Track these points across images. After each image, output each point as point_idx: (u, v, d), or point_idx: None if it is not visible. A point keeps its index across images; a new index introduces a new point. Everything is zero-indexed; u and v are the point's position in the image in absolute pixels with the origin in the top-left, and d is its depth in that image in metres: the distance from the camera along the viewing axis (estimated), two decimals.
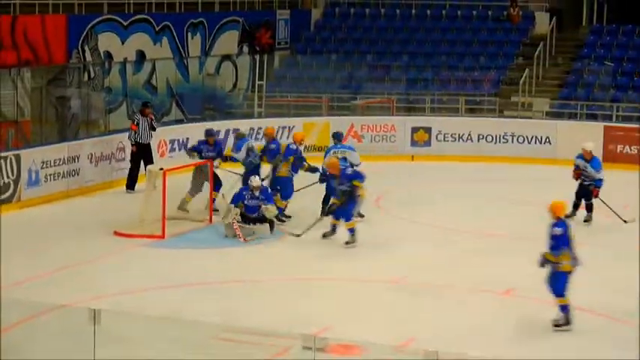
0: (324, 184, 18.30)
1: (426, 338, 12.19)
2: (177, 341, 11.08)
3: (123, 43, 25.64)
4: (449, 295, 14.47)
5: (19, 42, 22.75)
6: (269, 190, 17.66)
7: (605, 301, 13.99)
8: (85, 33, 24.54)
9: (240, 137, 19.60)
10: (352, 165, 18.29)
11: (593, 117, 26.67)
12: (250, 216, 17.22)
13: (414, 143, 25.74)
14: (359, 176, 17.15)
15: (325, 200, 18.40)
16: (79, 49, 24.42)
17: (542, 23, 30.30)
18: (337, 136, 19.35)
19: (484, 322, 13.25)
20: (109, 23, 25.24)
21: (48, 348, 11.26)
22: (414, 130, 25.77)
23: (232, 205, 17.33)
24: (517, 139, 25.41)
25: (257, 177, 17.49)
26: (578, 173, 18.55)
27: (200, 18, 28.22)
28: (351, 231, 16.89)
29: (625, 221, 18.37)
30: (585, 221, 18.53)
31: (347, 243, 16.82)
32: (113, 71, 25.61)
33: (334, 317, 13.10)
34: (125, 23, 25.68)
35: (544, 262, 12.98)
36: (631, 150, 24.64)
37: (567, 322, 12.84)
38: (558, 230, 12.91)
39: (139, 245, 16.72)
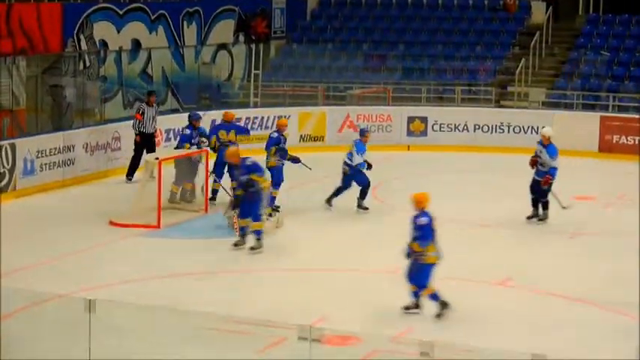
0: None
1: (422, 328, 12.19)
2: (172, 331, 11.06)
3: (118, 32, 25.58)
4: (446, 286, 14.43)
5: (15, 30, 22.68)
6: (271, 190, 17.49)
7: (605, 293, 13.97)
8: (80, 21, 24.47)
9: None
10: (352, 164, 18.41)
11: (589, 107, 26.68)
12: None
13: (410, 133, 25.73)
14: (258, 169, 16.08)
15: (336, 192, 18.48)
16: (75, 37, 24.36)
17: (539, 13, 30.29)
18: (360, 132, 19.29)
19: (480, 313, 13.24)
20: (105, 12, 25.18)
21: (43, 337, 11.25)
22: (410, 119, 25.76)
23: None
24: (513, 129, 25.41)
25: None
26: (535, 160, 17.94)
27: (196, 7, 28.17)
28: (258, 233, 15.76)
29: (563, 207, 17.86)
30: (540, 220, 17.89)
31: (252, 248, 15.72)
32: (109, 60, 25.58)
33: (330, 308, 13.08)
34: (121, 12, 25.62)
35: (411, 253, 12.83)
36: (627, 140, 24.63)
37: (445, 306, 12.75)
38: (424, 220, 12.76)
39: (134, 235, 16.69)
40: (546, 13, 29.89)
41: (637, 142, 24.40)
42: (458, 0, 31.28)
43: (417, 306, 12.96)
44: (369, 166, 18.56)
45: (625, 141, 24.67)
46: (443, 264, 15.32)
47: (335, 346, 10.46)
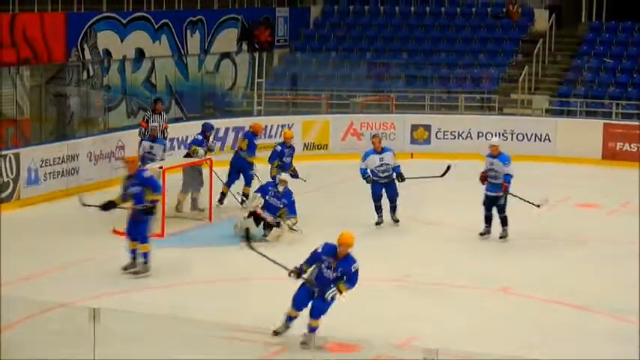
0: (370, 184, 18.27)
1: (426, 336, 12.18)
2: (175, 339, 11.08)
3: (122, 41, 25.63)
4: (449, 293, 14.46)
5: (18, 40, 22.73)
6: (293, 196, 17.18)
7: (606, 299, 13.97)
8: (84, 31, 24.52)
9: (155, 137, 19.54)
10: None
11: (592, 114, 26.66)
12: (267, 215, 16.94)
13: (413, 141, 25.73)
14: (153, 185, 14.89)
15: (391, 207, 18.34)
16: (78, 47, 24.40)
17: (542, 20, 30.30)
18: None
19: (484, 320, 13.25)
20: (108, 21, 25.23)
21: (47, 347, 11.26)
22: (414, 127, 25.77)
23: (258, 194, 17.03)
24: (516, 137, 25.38)
25: (284, 173, 17.44)
26: (484, 176, 17.34)
27: (199, 16, 28.22)
28: (144, 256, 14.75)
29: (538, 206, 17.39)
30: (501, 237, 17.32)
31: (136, 273, 14.74)
32: (112, 69, 25.63)
33: (333, 315, 13.06)
34: (124, 21, 25.67)
35: (336, 293, 12.03)
36: (631, 147, 24.61)
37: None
38: (358, 265, 12.17)
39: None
40: (549, 20, 29.90)
41: None
42: (461, 8, 31.30)
43: (286, 328, 12.13)
44: (368, 179, 18.23)
45: (628, 148, 24.65)
46: (445, 271, 15.39)
47: (337, 353, 10.47)
